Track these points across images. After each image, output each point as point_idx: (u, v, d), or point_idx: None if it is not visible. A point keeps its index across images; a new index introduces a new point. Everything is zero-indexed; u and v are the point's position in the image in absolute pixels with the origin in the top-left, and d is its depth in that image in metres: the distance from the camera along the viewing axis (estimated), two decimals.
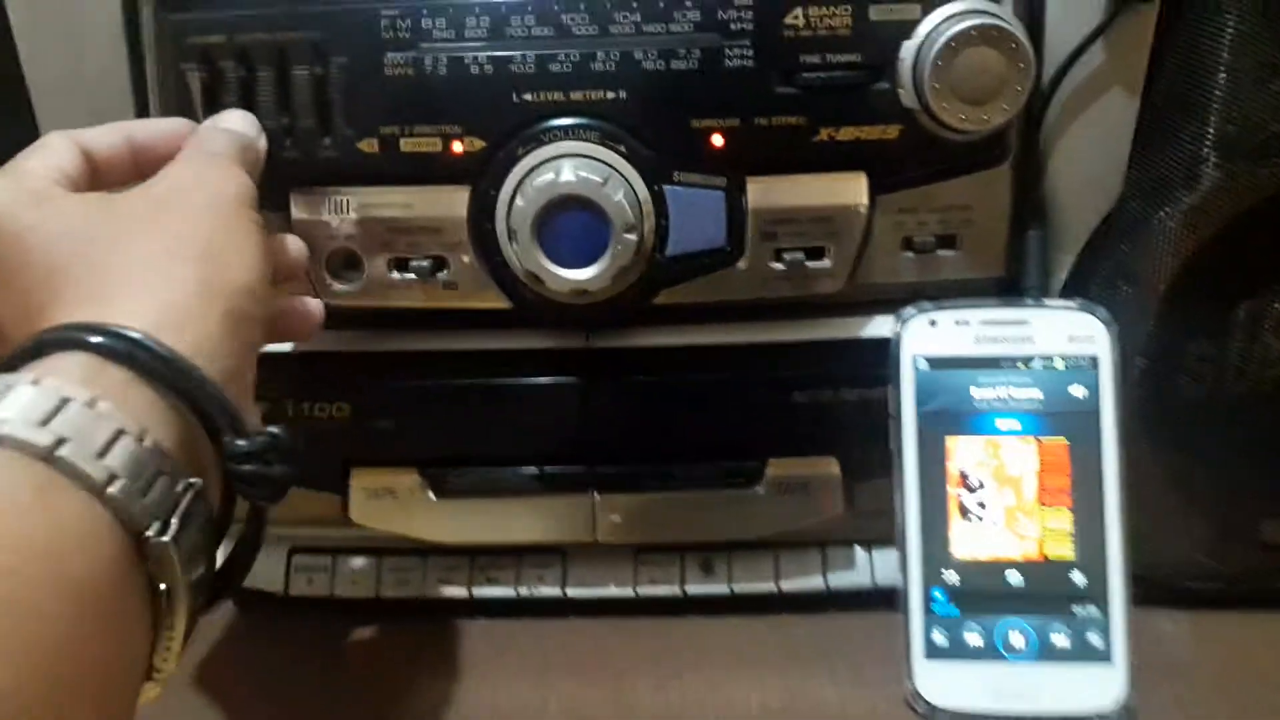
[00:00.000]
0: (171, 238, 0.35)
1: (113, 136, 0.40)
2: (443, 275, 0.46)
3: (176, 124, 0.42)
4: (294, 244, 0.44)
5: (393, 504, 0.49)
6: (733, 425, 0.48)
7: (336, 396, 0.48)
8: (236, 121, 0.43)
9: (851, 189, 0.45)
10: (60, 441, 0.29)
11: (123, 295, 0.33)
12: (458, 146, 0.44)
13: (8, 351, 0.33)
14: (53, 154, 0.39)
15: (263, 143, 0.43)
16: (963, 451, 0.44)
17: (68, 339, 0.31)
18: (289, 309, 0.43)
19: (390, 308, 0.46)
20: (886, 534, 0.46)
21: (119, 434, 0.30)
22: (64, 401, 0.29)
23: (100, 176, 0.40)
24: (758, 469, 0.49)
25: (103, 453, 0.29)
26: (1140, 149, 0.47)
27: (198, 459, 0.33)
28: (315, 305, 0.44)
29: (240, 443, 0.33)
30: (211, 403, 0.33)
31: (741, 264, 0.46)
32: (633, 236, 0.43)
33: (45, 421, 0.29)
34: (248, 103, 0.44)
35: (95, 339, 0.31)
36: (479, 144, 0.44)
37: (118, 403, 0.30)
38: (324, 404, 0.48)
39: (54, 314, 0.33)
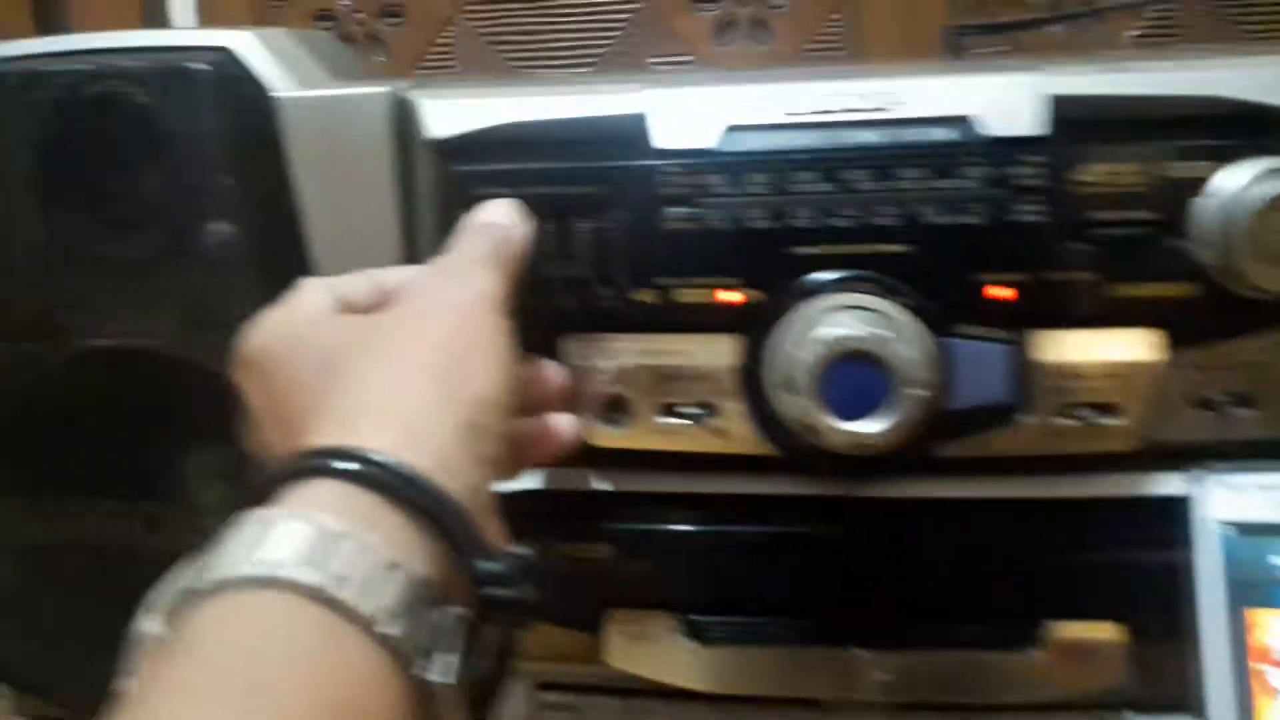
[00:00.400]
0: (411, 350, 0.35)
1: (362, 282, 0.41)
2: (710, 422, 0.45)
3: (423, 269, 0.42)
4: (553, 372, 0.44)
5: (648, 648, 0.48)
6: (1009, 583, 0.46)
7: (597, 537, 0.48)
8: (497, 214, 0.42)
9: (1144, 346, 0.43)
10: (335, 580, 0.28)
11: (365, 413, 0.33)
12: (732, 296, 0.44)
13: None
14: (309, 293, 0.40)
15: (525, 231, 0.42)
16: (1269, 626, 0.42)
17: (318, 466, 0.31)
18: (537, 431, 0.43)
19: (656, 452, 0.46)
20: (1167, 698, 0.43)
21: (388, 566, 0.29)
22: (329, 535, 0.29)
23: None
24: (1035, 631, 0.46)
25: (376, 589, 0.28)
26: None
27: (454, 585, 0.32)
28: (567, 423, 0.43)
29: (490, 566, 0.32)
30: (457, 524, 0.31)
31: (1026, 419, 0.44)
32: (918, 391, 0.42)
33: (316, 559, 0.28)
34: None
35: (343, 465, 0.31)
36: (754, 294, 0.44)
37: (376, 531, 0.30)
38: (584, 544, 0.48)
39: (308, 436, 0.33)
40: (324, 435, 0.32)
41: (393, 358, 0.35)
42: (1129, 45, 0.81)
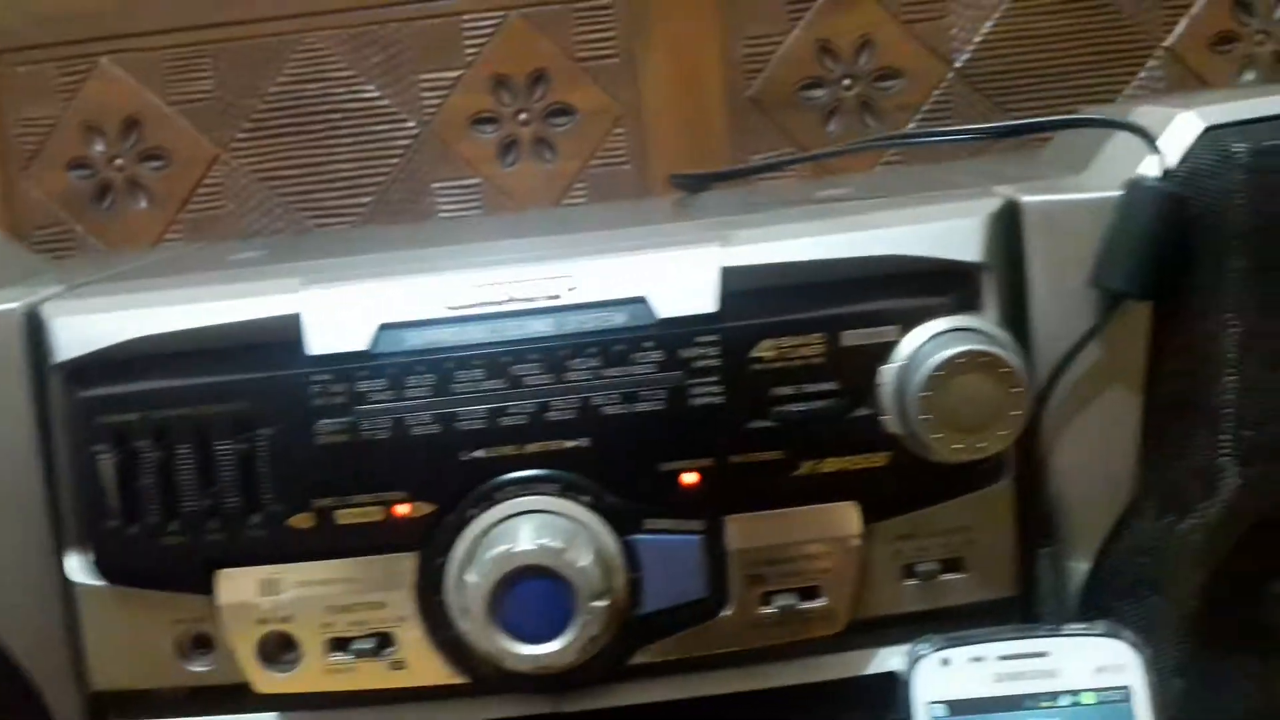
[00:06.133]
0: None
1: None
2: (388, 653, 0.41)
3: None
4: None
5: None
6: None
7: None
8: None
9: (842, 520, 0.41)
10: None
11: None
12: (402, 510, 0.40)
13: None
14: None
15: None
16: None
17: None
18: None
19: (330, 693, 0.41)
20: None
21: None
22: None
23: None
24: None
25: None
26: (1150, 454, 0.43)
27: None
28: None
29: None
30: None
31: (726, 612, 0.41)
32: (601, 603, 0.38)
33: None
34: (165, 483, 0.40)
35: None
36: (425, 508, 0.40)
37: None
38: None
39: None
40: None
41: None
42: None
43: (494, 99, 0.83)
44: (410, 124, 0.83)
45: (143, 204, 0.84)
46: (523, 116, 0.83)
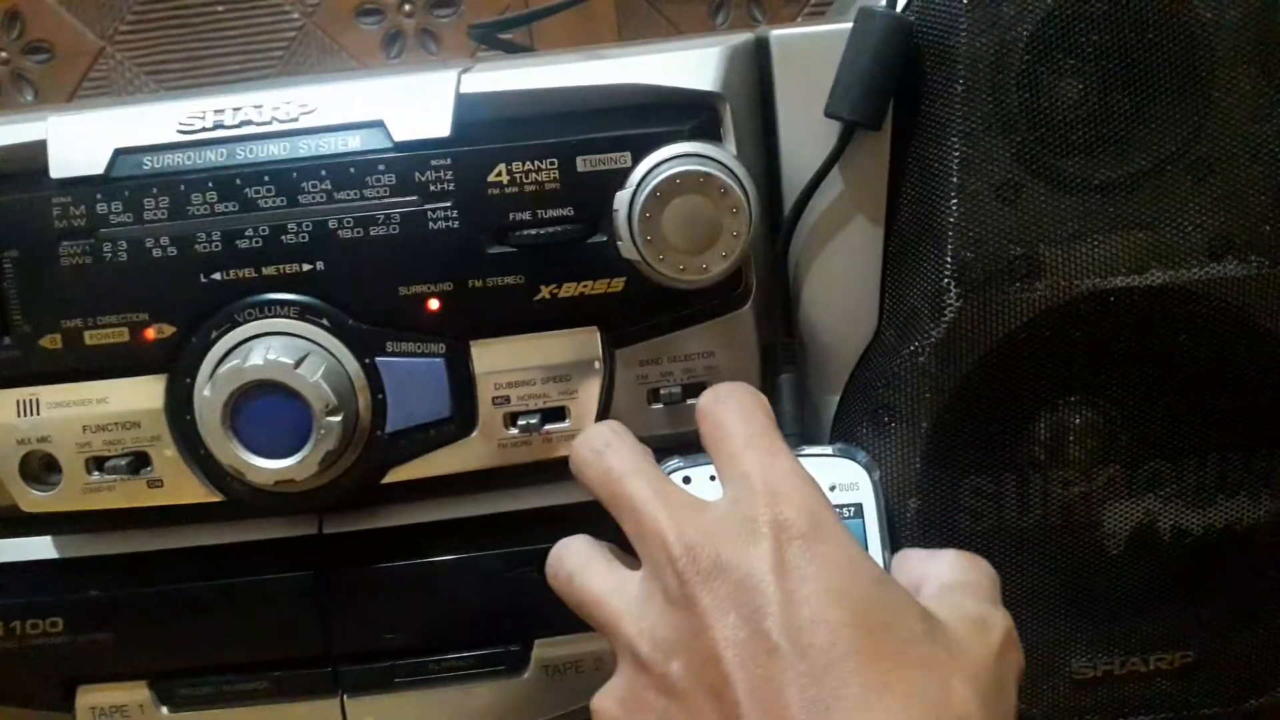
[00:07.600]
0: None
1: None
2: (146, 472, 0.42)
3: None
4: None
5: None
6: (491, 606, 0.44)
7: (47, 611, 0.44)
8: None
9: (583, 345, 0.42)
10: None
11: None
12: (149, 333, 0.41)
13: None
14: None
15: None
16: None
17: None
18: None
19: (92, 511, 0.42)
20: None
21: None
22: None
23: None
24: (523, 653, 0.45)
25: None
26: (889, 280, 0.44)
27: None
28: None
29: None
30: None
31: (474, 434, 0.42)
32: (336, 419, 0.39)
33: None
34: None
35: None
36: (170, 330, 0.41)
37: None
38: (35, 619, 0.44)
39: None
40: None
41: None
42: None
43: None
44: (294, 16, 0.83)
45: (29, 96, 0.84)
46: (407, 8, 0.83)
